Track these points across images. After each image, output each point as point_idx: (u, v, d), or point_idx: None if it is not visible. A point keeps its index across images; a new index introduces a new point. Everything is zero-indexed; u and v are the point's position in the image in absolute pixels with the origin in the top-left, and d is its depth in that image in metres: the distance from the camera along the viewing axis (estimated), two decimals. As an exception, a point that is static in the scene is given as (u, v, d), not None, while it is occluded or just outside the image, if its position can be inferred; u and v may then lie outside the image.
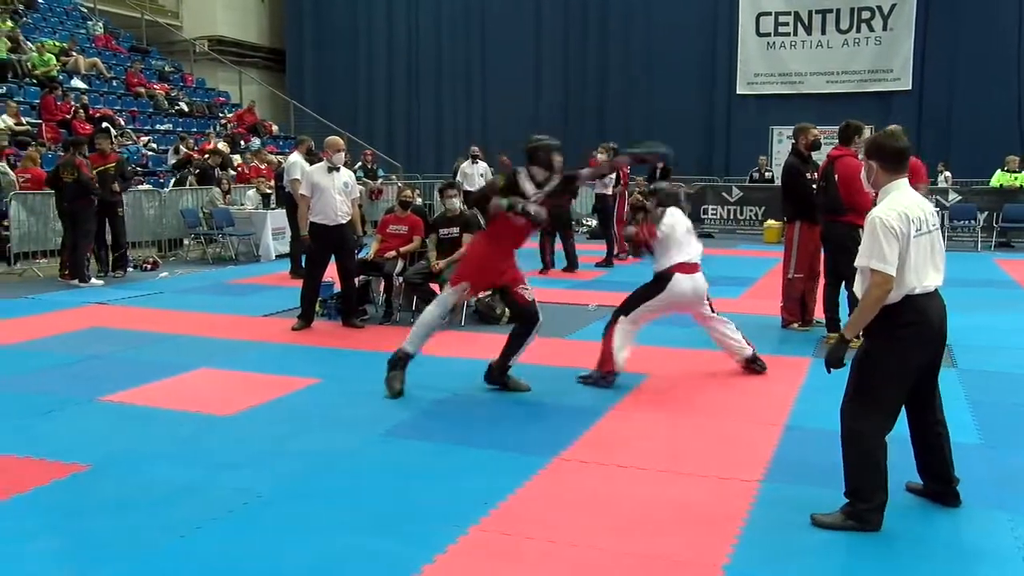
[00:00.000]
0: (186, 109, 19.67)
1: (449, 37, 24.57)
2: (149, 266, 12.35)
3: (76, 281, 10.91)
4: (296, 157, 11.07)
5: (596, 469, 4.50)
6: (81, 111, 15.86)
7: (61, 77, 17.17)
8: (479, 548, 3.61)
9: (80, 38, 19.83)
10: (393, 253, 8.55)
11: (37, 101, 15.87)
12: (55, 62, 17.35)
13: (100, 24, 21.35)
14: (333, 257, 8.26)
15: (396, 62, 25.25)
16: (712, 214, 18.19)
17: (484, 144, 17.84)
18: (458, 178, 14.64)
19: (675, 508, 4.00)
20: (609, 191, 13.11)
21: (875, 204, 3.78)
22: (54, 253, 12.05)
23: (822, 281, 7.70)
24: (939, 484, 3.96)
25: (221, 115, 20.51)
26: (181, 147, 16.54)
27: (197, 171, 15.32)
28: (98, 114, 16.24)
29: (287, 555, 3.52)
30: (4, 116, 14.44)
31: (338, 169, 8.12)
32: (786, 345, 7.39)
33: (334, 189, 8.01)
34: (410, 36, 25.07)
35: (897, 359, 3.68)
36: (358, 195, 8.17)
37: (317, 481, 4.33)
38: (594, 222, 16.07)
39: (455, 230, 8.47)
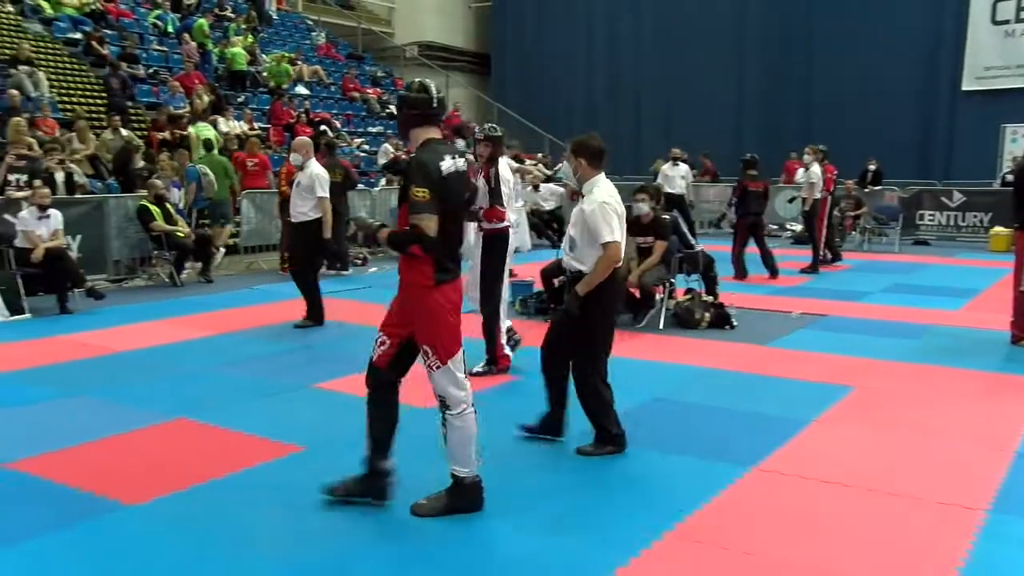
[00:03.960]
0: (396, 112, 20.61)
1: (649, 43, 24.33)
2: (360, 262, 13.06)
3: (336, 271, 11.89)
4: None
5: (796, 482, 4.32)
6: (303, 115, 17.05)
7: (287, 85, 18.53)
8: (672, 554, 3.56)
9: (304, 48, 21.33)
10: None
11: (267, 107, 17.22)
12: (290, 72, 18.68)
13: (323, 35, 22.87)
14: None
15: (596, 65, 25.35)
16: (929, 220, 17.03)
17: (685, 147, 17.47)
18: (659, 180, 14.48)
19: (883, 531, 3.77)
20: (817, 195, 12.33)
21: (581, 195, 4.68)
22: (274, 248, 12.98)
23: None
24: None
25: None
26: (388, 147, 17.29)
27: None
28: (318, 118, 17.38)
29: (488, 548, 3.65)
30: (240, 122, 15.78)
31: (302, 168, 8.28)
32: (1016, 363, 6.79)
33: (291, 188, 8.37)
34: (612, 40, 25.08)
35: (605, 318, 4.64)
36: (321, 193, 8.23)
37: (520, 479, 4.39)
38: (799, 227, 15.43)
39: (650, 239, 8.35)
